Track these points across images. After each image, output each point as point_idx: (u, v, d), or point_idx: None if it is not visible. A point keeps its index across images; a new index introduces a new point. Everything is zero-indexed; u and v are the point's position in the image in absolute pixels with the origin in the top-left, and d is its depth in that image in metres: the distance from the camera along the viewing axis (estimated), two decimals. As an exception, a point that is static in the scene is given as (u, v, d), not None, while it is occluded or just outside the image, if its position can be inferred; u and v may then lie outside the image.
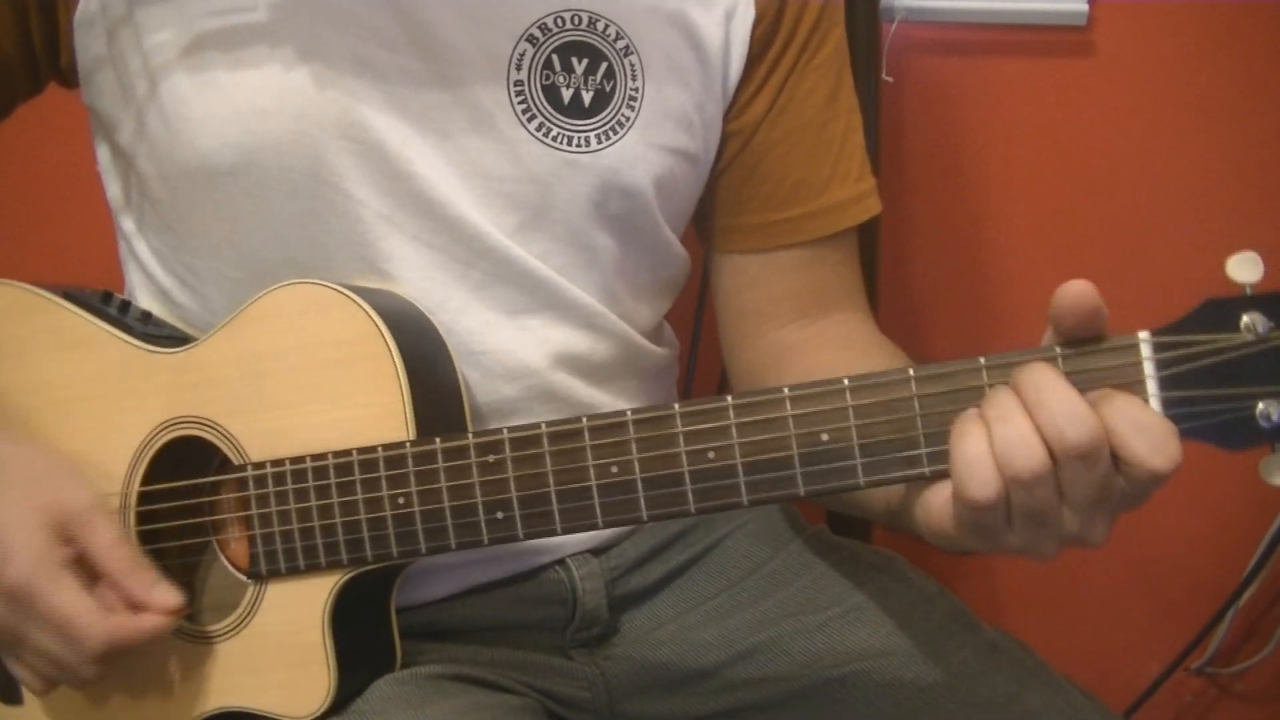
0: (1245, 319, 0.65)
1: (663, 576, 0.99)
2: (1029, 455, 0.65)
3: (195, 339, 0.87)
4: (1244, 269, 0.65)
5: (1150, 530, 1.45)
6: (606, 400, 0.95)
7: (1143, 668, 1.47)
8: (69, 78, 0.91)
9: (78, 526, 0.79)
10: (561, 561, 0.95)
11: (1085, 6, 1.32)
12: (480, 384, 0.90)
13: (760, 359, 1.01)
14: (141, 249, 0.94)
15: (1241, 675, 1.49)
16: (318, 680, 0.82)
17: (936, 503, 0.71)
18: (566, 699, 0.94)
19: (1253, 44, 1.31)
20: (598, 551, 0.96)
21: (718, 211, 1.00)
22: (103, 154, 0.95)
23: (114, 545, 0.80)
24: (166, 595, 0.79)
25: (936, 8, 1.34)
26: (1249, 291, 0.65)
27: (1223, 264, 0.66)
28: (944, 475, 0.69)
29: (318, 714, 0.82)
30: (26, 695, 0.89)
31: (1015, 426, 0.66)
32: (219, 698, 0.85)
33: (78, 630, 0.77)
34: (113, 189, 0.96)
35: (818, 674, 0.92)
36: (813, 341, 0.99)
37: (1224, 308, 0.65)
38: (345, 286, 0.82)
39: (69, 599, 0.78)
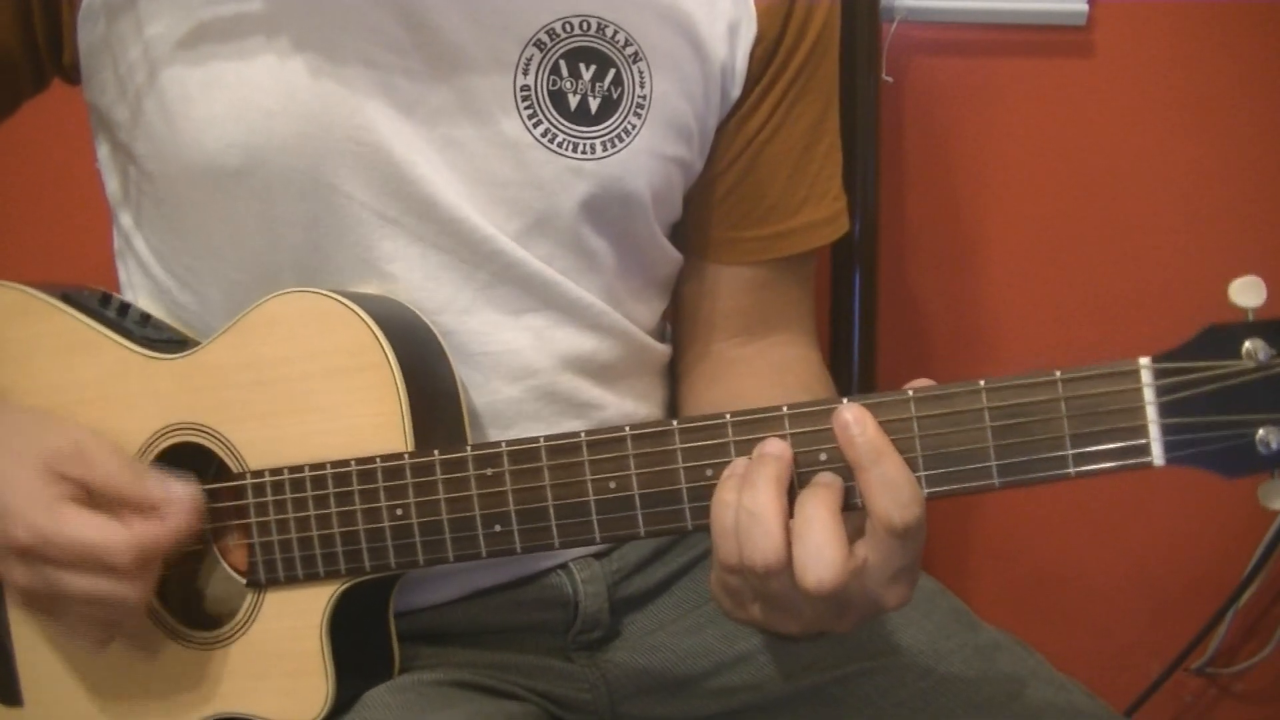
0: (1247, 345, 0.64)
1: (664, 579, 0.99)
2: (765, 552, 0.68)
3: (195, 342, 0.87)
4: (1246, 293, 0.65)
5: (1150, 530, 1.45)
6: (611, 400, 0.95)
7: (1143, 668, 1.48)
8: (71, 75, 0.91)
9: (71, 464, 0.78)
10: (563, 565, 0.95)
11: (1085, 6, 1.32)
12: (484, 385, 0.89)
13: (700, 366, 1.02)
14: (140, 246, 0.94)
15: (1241, 675, 1.50)
16: (316, 688, 0.82)
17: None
18: (568, 702, 0.94)
19: (1252, 44, 1.31)
20: (599, 555, 0.96)
21: (689, 218, 0.99)
22: (103, 150, 0.95)
23: (113, 468, 0.78)
24: (180, 489, 0.78)
25: (936, 8, 1.34)
26: (1251, 317, 0.65)
27: (1220, 260, 0.66)
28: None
29: (316, 722, 0.83)
30: (26, 696, 0.89)
31: (765, 530, 0.68)
32: (217, 703, 0.85)
33: (102, 552, 0.75)
34: (111, 184, 0.95)
35: (818, 675, 0.92)
36: (748, 363, 1.00)
37: (1225, 334, 0.65)
38: (345, 295, 0.82)
39: (80, 525, 0.76)
